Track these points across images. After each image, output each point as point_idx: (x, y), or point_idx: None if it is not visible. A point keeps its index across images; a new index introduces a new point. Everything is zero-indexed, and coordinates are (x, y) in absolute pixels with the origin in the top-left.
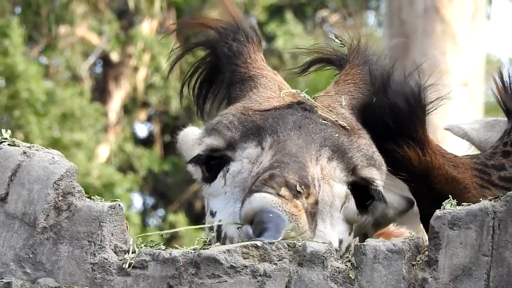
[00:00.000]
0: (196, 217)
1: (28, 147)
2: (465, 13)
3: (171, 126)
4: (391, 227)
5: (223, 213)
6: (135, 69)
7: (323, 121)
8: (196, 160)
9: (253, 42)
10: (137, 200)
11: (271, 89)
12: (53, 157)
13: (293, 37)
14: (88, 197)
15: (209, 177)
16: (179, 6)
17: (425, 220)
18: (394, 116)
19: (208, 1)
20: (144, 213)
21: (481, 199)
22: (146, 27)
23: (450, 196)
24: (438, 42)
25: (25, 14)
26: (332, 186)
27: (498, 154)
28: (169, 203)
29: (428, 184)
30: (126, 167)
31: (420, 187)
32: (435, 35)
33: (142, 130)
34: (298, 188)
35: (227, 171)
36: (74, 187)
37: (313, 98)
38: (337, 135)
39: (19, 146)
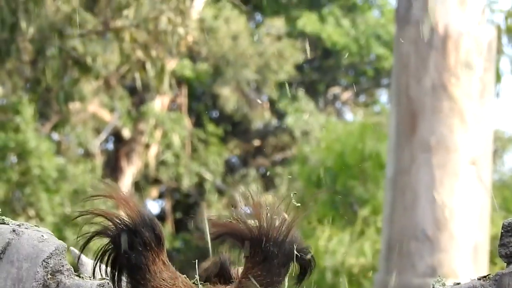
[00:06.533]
0: None
1: (17, 225)
2: (473, 91)
3: (183, 203)
4: None
5: None
6: (147, 145)
7: None
8: None
9: (151, 249)
10: None
11: None
12: (42, 235)
13: (304, 114)
14: (77, 275)
15: None
16: (191, 82)
17: None
18: None
19: (219, 76)
20: None
21: None
22: (158, 104)
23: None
24: (445, 119)
25: (34, 91)
26: None
27: None
28: None
29: None
30: None
31: None
32: (443, 113)
33: (153, 207)
34: None
35: None
36: (63, 265)
37: None
38: None
39: (8, 224)
